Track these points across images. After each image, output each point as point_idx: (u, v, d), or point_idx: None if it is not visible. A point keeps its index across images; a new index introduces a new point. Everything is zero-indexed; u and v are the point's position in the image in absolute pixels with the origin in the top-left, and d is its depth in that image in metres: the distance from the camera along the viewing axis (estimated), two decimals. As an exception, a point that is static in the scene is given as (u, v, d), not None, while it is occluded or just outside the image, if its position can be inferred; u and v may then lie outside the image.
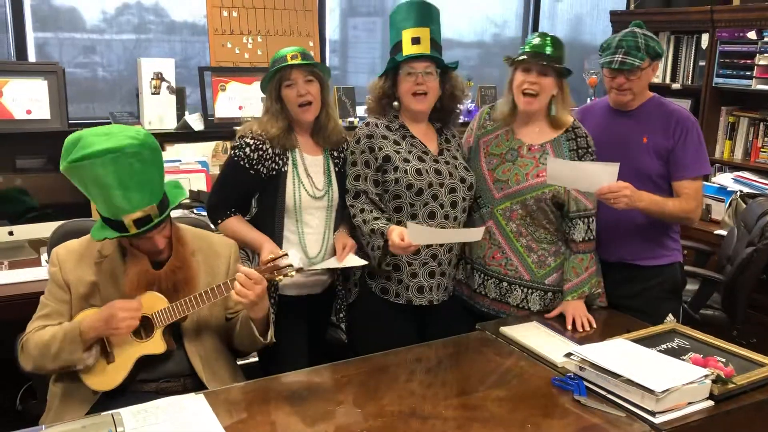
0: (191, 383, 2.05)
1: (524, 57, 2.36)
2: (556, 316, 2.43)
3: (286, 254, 1.99)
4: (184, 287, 2.02)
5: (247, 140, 2.29)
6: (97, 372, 1.98)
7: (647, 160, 2.51)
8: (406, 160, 2.32)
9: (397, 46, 2.36)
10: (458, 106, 2.49)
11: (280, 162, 2.31)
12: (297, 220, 2.33)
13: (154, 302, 2.00)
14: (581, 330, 2.34)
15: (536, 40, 2.38)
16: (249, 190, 2.36)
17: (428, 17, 2.37)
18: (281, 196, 2.31)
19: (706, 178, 4.24)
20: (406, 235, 2.13)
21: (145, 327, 1.99)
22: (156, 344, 2.00)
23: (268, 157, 2.29)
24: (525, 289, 2.45)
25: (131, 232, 1.89)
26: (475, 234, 2.28)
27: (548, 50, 2.35)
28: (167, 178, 2.03)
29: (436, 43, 2.36)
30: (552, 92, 2.39)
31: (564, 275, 2.44)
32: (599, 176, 2.26)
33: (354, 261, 2.31)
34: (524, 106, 2.40)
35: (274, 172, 2.30)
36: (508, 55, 2.45)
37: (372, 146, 2.33)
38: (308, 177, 2.34)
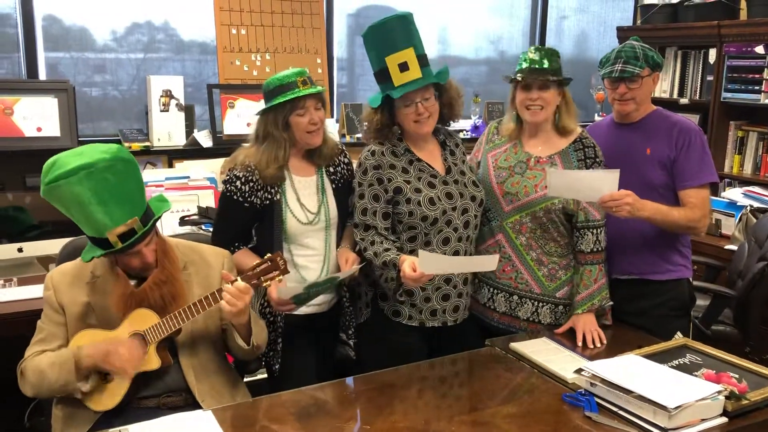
0: (191, 398, 2.05)
1: (521, 76, 2.36)
2: (566, 330, 2.40)
3: (270, 260, 1.98)
4: (171, 301, 2.01)
5: (236, 173, 2.25)
6: (96, 393, 1.99)
7: (651, 171, 2.50)
8: (418, 190, 2.27)
9: (383, 74, 2.25)
10: (459, 110, 2.41)
11: (273, 191, 2.28)
12: (298, 245, 2.32)
13: (145, 318, 2.00)
14: (592, 346, 2.32)
15: (531, 56, 2.37)
16: (247, 222, 2.34)
17: (407, 34, 2.23)
18: (277, 224, 2.28)
19: (715, 189, 4.24)
20: (418, 265, 2.07)
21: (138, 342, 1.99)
22: (150, 360, 1.99)
23: (259, 187, 2.26)
24: (536, 303, 2.44)
25: (117, 247, 1.89)
26: (489, 263, 2.20)
27: (545, 64, 2.35)
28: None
29: (423, 58, 2.25)
30: (556, 103, 2.40)
31: (574, 288, 2.43)
32: (600, 184, 2.24)
33: (350, 270, 2.25)
34: (531, 118, 2.40)
35: (267, 202, 2.28)
36: (506, 75, 2.46)
37: (380, 178, 2.28)
38: (299, 203, 2.31)
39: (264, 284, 1.99)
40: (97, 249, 1.93)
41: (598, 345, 2.33)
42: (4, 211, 3.01)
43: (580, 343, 2.33)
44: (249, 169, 2.26)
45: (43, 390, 1.97)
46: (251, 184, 2.26)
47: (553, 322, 2.44)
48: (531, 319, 2.44)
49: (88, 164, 1.82)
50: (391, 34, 2.23)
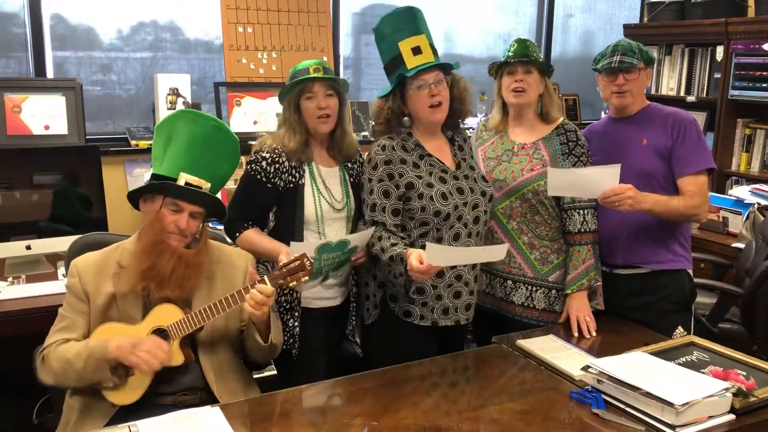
0: (207, 396, 2.05)
1: (505, 61, 2.48)
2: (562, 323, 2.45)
3: (300, 259, 1.99)
4: (181, 283, 2.01)
5: (263, 154, 2.30)
6: (117, 387, 1.99)
7: (649, 162, 2.52)
8: (430, 185, 2.26)
9: (395, 61, 2.27)
10: (469, 105, 2.43)
11: (297, 175, 2.31)
12: (317, 232, 2.33)
13: (168, 314, 2.00)
14: (588, 335, 2.37)
15: (516, 46, 2.50)
16: (266, 204, 2.36)
17: (419, 23, 2.30)
18: (300, 208, 2.31)
19: (722, 187, 4.23)
20: (425, 257, 2.06)
21: (162, 339, 2.00)
22: (174, 356, 2.00)
23: (284, 170, 2.30)
24: (529, 287, 2.48)
25: (180, 185, 1.99)
26: (497, 252, 2.19)
27: (528, 52, 2.46)
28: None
29: (434, 48, 2.30)
30: (538, 89, 2.50)
31: (566, 270, 2.47)
32: (601, 180, 2.25)
33: (362, 234, 2.24)
34: (516, 99, 2.50)
35: (291, 185, 2.31)
36: (492, 63, 2.57)
37: (392, 173, 2.27)
38: (327, 189, 2.35)
39: (290, 284, 2.00)
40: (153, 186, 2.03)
41: (593, 334, 2.38)
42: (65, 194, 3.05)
43: (575, 333, 2.38)
44: (276, 151, 2.30)
45: (68, 379, 1.97)
46: (277, 165, 2.29)
47: (547, 307, 2.48)
48: (526, 304, 2.49)
49: (220, 123, 2.15)
50: (404, 22, 2.29)
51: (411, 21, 2.29)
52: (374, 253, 2.26)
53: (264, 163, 2.29)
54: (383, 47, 2.33)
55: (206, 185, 2.04)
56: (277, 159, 2.29)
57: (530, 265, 2.48)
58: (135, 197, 2.08)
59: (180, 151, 2.05)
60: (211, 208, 2.11)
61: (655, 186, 2.48)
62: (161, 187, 2.01)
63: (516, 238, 2.48)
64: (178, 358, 2.00)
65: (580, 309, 2.42)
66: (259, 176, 2.30)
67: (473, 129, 4.37)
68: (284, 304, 2.34)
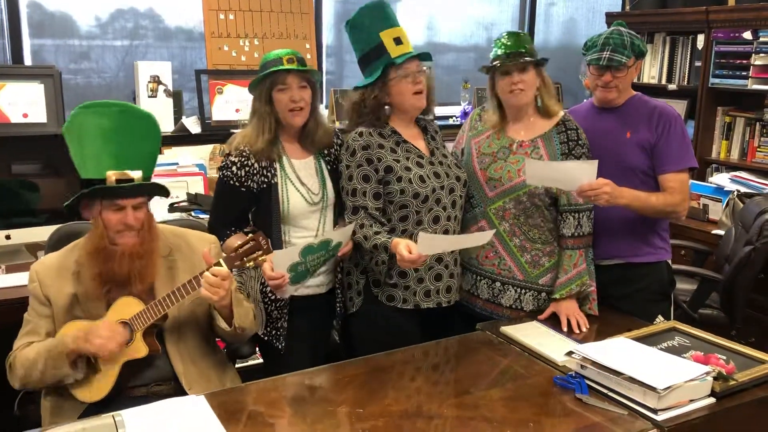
0: (180, 387, 2.03)
1: (499, 62, 2.37)
2: (549, 316, 2.41)
3: (253, 240, 1.97)
4: (137, 277, 1.98)
5: (232, 158, 2.27)
6: (84, 383, 1.98)
7: (632, 156, 2.51)
8: (408, 168, 2.29)
9: (377, 50, 2.29)
10: (434, 96, 2.44)
11: (269, 174, 2.28)
12: (296, 226, 2.32)
13: (129, 306, 1.99)
14: (577, 331, 2.33)
15: (505, 41, 2.38)
16: (244, 207, 2.34)
17: (393, 16, 2.36)
18: (275, 206, 2.28)
19: (702, 175, 4.27)
20: (414, 247, 2.08)
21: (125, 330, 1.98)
22: (137, 348, 1.98)
23: (255, 171, 2.26)
24: (518, 290, 2.44)
25: (110, 185, 1.92)
26: (484, 237, 2.25)
27: (520, 48, 2.35)
28: (165, 180, 2.05)
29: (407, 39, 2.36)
30: (536, 85, 2.41)
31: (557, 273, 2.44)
32: (579, 174, 2.25)
33: (343, 230, 2.24)
34: (515, 101, 2.40)
35: (264, 185, 2.28)
36: (484, 65, 2.45)
37: (370, 158, 2.28)
38: (302, 184, 2.32)
39: (247, 265, 1.98)
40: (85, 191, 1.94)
41: (584, 330, 2.34)
42: (8, 184, 2.98)
43: (565, 328, 2.34)
44: (243, 154, 2.26)
45: (32, 380, 1.96)
46: (247, 168, 2.26)
47: (535, 309, 2.45)
48: (514, 306, 2.45)
49: (125, 106, 2.02)
50: (384, 12, 2.33)
51: (387, 14, 2.33)
52: (357, 241, 2.27)
53: (234, 168, 2.26)
54: (361, 37, 2.34)
55: (137, 175, 1.96)
56: (245, 162, 2.26)
57: (520, 267, 2.43)
58: (75, 208, 2.01)
59: (97, 150, 1.96)
60: (151, 192, 2.05)
61: (636, 180, 2.48)
62: (93, 192, 1.94)
63: (507, 241, 2.42)
64: (142, 350, 1.98)
65: (570, 309, 2.38)
66: (231, 182, 2.27)
67: (459, 118, 4.42)
68: (269, 295, 2.32)
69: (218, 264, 1.95)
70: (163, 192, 2.06)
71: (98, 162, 1.95)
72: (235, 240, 2.26)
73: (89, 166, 1.96)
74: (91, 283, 1.99)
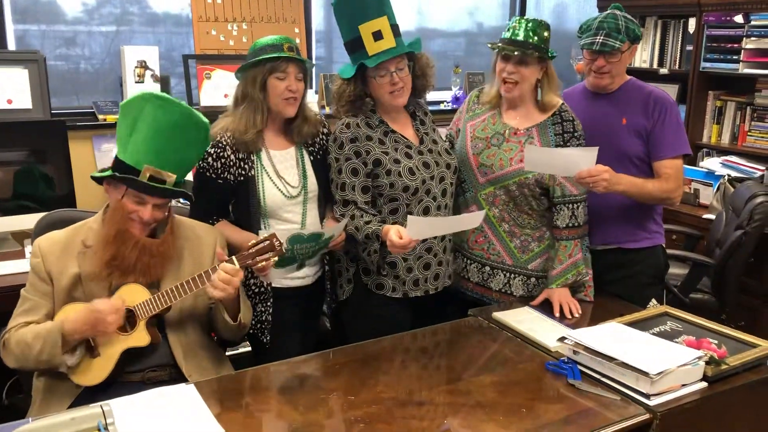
0: (176, 373, 2.02)
1: (501, 45, 2.33)
2: (542, 302, 2.40)
3: (269, 239, 1.95)
4: (147, 272, 1.97)
5: (209, 149, 2.20)
6: (82, 368, 1.95)
7: (627, 142, 2.50)
8: (397, 161, 2.25)
9: (355, 44, 2.21)
10: (431, 79, 2.38)
11: (246, 167, 2.23)
12: (276, 219, 2.28)
13: (136, 294, 1.97)
14: (569, 317, 2.33)
15: (514, 27, 2.33)
16: (223, 198, 2.29)
17: (380, 2, 2.18)
18: (254, 199, 2.24)
19: (693, 159, 4.27)
20: (404, 231, 2.06)
21: (128, 320, 1.96)
22: (140, 337, 1.97)
23: (231, 163, 2.22)
24: (507, 274, 2.44)
25: (143, 180, 1.91)
26: (474, 219, 2.22)
27: (527, 37, 2.29)
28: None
29: (396, 28, 2.21)
30: (534, 79, 2.36)
31: (549, 263, 2.42)
32: (578, 161, 2.24)
33: (335, 227, 2.20)
34: (505, 93, 2.39)
35: (242, 178, 2.23)
36: (492, 42, 2.41)
37: (358, 151, 2.25)
38: (280, 178, 2.27)
39: (258, 265, 1.96)
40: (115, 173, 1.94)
41: (576, 315, 2.34)
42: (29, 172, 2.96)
43: (557, 314, 2.34)
44: (219, 144, 2.21)
45: (28, 362, 1.93)
46: (222, 160, 2.21)
47: (525, 294, 2.45)
48: (503, 290, 2.45)
49: (188, 110, 1.99)
50: (365, 2, 2.18)
51: (372, 1, 2.17)
52: (349, 233, 2.24)
53: (210, 159, 2.21)
54: (342, 25, 2.27)
55: (171, 177, 1.94)
56: (221, 154, 2.21)
57: (509, 252, 2.43)
58: (99, 180, 2.01)
59: (145, 140, 1.93)
60: (176, 196, 2.03)
61: (631, 166, 2.47)
62: (124, 179, 1.93)
63: (496, 226, 2.42)
64: (145, 339, 1.97)
65: (562, 296, 2.37)
66: (208, 173, 2.22)
67: (450, 103, 4.39)
68: (253, 288, 2.30)
69: (230, 261, 1.93)
70: (188, 199, 2.09)
71: (140, 152, 1.92)
72: (228, 230, 2.24)
73: (130, 150, 1.94)
74: (98, 264, 1.95)
